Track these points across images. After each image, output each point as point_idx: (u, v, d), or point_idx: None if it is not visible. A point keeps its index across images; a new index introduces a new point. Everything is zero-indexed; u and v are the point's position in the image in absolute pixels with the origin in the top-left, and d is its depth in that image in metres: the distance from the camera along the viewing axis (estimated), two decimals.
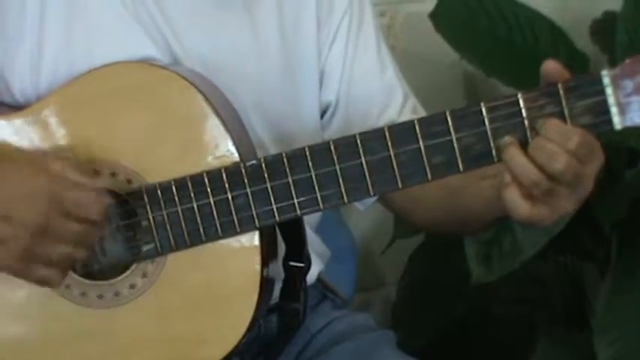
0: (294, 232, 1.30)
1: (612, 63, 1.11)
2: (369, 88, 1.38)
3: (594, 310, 1.92)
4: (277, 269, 1.30)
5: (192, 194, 1.20)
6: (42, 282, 1.20)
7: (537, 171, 1.10)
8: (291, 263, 1.32)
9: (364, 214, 1.46)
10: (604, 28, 2.14)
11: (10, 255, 1.16)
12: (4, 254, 1.16)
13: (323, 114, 1.40)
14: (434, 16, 2.05)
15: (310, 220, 1.39)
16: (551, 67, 1.11)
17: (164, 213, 1.21)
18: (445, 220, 1.36)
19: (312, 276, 1.39)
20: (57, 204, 1.16)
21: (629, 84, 1.10)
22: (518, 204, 1.12)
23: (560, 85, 1.11)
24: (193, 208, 1.20)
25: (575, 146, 1.09)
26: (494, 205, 1.18)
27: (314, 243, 1.41)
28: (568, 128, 1.10)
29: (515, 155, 1.11)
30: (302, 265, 1.33)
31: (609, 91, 1.10)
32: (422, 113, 1.39)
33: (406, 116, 1.37)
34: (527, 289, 2.21)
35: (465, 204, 1.28)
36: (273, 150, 1.30)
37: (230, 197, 1.19)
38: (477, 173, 1.19)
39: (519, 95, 1.12)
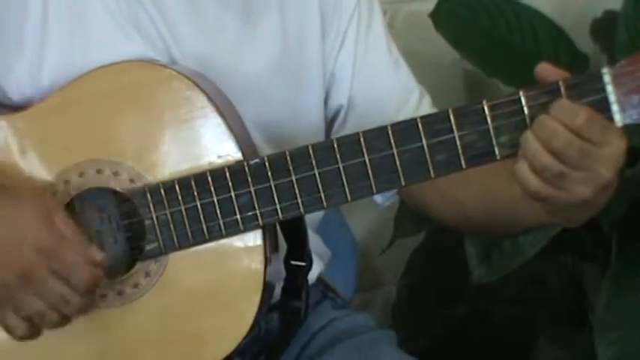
0: (295, 230, 1.30)
1: (612, 62, 1.11)
2: (384, 86, 1.37)
3: (594, 309, 1.92)
4: (279, 268, 1.30)
5: (195, 193, 1.20)
6: (6, 329, 1.19)
7: (542, 149, 1.09)
8: (293, 262, 1.32)
9: (364, 214, 1.46)
10: (604, 27, 2.14)
11: None
12: None
13: (335, 117, 1.39)
14: (434, 15, 2.05)
15: (311, 221, 1.38)
16: (545, 72, 1.12)
17: (167, 212, 1.21)
18: (479, 220, 1.33)
19: (312, 276, 1.39)
20: (49, 258, 1.16)
21: (628, 82, 1.10)
22: (526, 175, 1.11)
23: (561, 83, 1.11)
24: (197, 207, 1.20)
25: (582, 122, 1.08)
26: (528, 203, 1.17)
27: (314, 243, 1.41)
28: (575, 106, 1.09)
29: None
30: (303, 264, 1.33)
31: (610, 88, 1.10)
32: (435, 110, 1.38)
33: (425, 112, 1.36)
34: (528, 289, 2.21)
35: (504, 203, 1.26)
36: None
37: (234, 196, 1.19)
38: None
39: (521, 93, 1.12)
